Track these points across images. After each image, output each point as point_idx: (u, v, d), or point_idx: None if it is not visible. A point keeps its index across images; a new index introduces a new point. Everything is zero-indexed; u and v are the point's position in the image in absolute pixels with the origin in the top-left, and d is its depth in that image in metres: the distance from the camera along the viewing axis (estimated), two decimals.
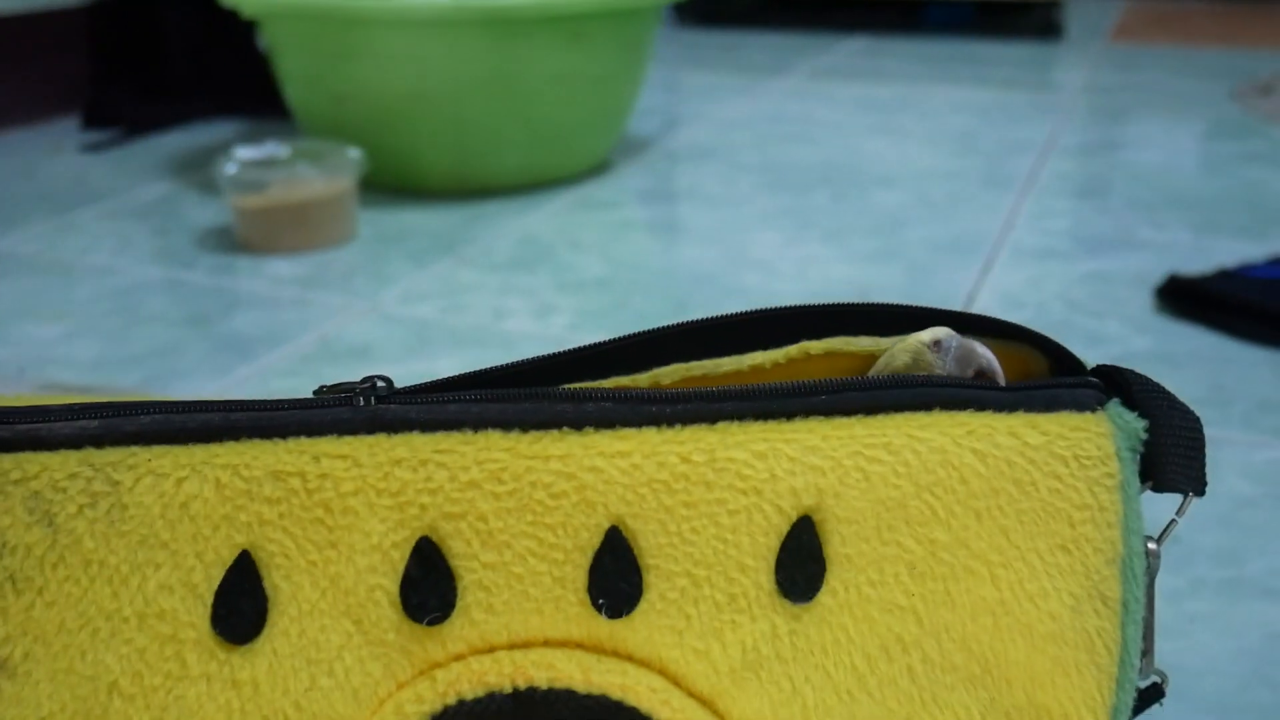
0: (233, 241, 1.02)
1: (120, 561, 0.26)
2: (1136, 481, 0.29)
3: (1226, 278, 0.85)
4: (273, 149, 1.03)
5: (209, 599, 0.26)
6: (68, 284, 0.93)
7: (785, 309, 0.31)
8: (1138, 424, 0.29)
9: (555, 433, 0.27)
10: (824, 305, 0.31)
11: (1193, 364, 0.76)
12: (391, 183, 1.16)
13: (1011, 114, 1.49)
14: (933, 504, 0.27)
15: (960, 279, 0.92)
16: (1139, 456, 0.29)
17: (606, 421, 0.27)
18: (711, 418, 0.27)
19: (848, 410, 0.27)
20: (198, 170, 1.25)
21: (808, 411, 0.27)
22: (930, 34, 2.13)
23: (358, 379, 0.28)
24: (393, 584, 0.26)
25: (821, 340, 0.31)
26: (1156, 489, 0.29)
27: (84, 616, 0.26)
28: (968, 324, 0.31)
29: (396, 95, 1.10)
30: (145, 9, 1.53)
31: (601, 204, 1.13)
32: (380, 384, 0.27)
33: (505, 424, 0.27)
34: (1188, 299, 0.84)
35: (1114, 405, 0.29)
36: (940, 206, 1.11)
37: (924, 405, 0.28)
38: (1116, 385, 0.30)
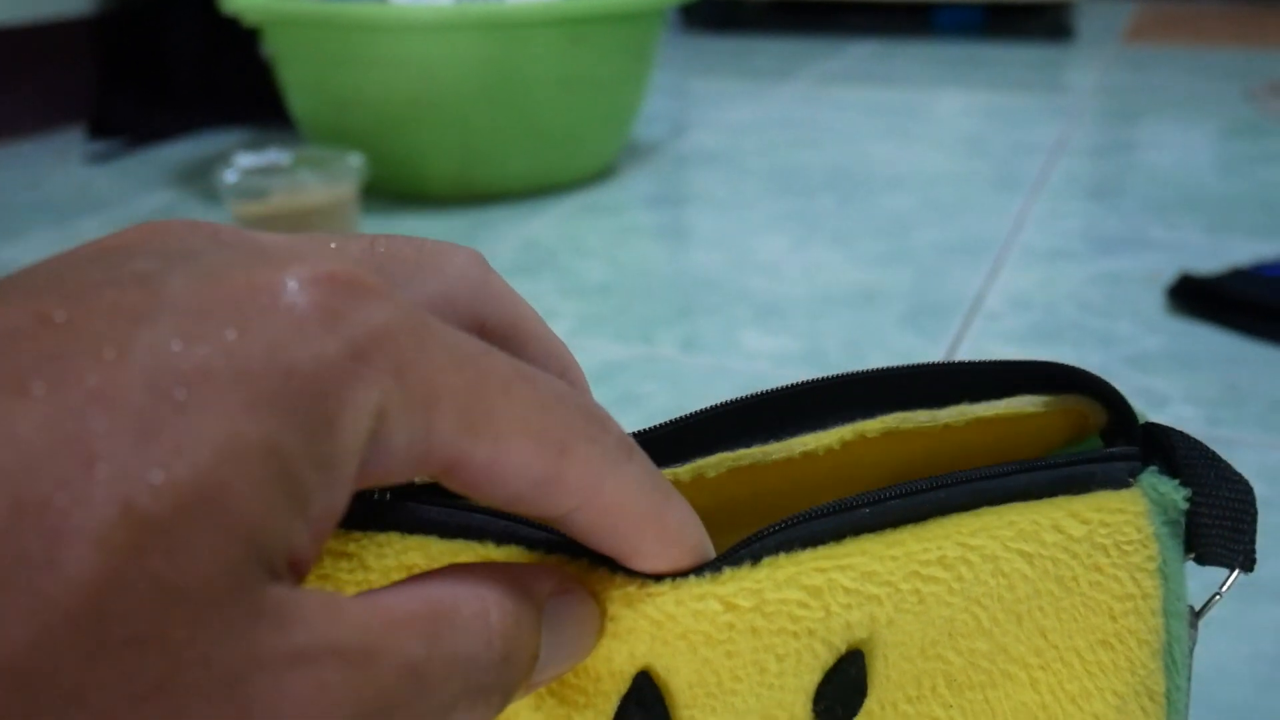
0: None
1: None
2: (1178, 559, 0.27)
3: (1240, 277, 0.84)
4: (274, 156, 1.03)
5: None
6: None
7: (828, 380, 0.28)
8: (1177, 494, 0.26)
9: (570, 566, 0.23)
10: (870, 372, 0.28)
11: (1206, 364, 0.75)
12: (395, 189, 1.16)
13: (1021, 116, 1.48)
14: (979, 615, 0.25)
15: (968, 281, 0.90)
16: (1183, 527, 0.26)
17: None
18: (755, 556, 0.23)
19: (896, 522, 0.24)
20: (201, 179, 1.25)
21: (857, 529, 0.24)
22: (939, 37, 2.12)
23: None
24: None
25: (876, 419, 0.28)
26: (1200, 561, 0.27)
27: None
28: (1027, 373, 0.28)
29: (399, 101, 1.09)
30: (149, 20, 1.53)
31: (606, 209, 1.12)
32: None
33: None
34: (1200, 298, 0.82)
35: (1150, 475, 0.26)
36: (948, 209, 1.10)
37: (971, 505, 0.25)
38: (1160, 448, 0.27)
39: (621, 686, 0.23)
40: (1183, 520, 0.26)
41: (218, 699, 0.13)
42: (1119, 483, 0.26)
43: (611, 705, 0.23)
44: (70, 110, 1.50)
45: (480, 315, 0.22)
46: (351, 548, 0.22)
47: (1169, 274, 0.89)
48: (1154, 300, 0.85)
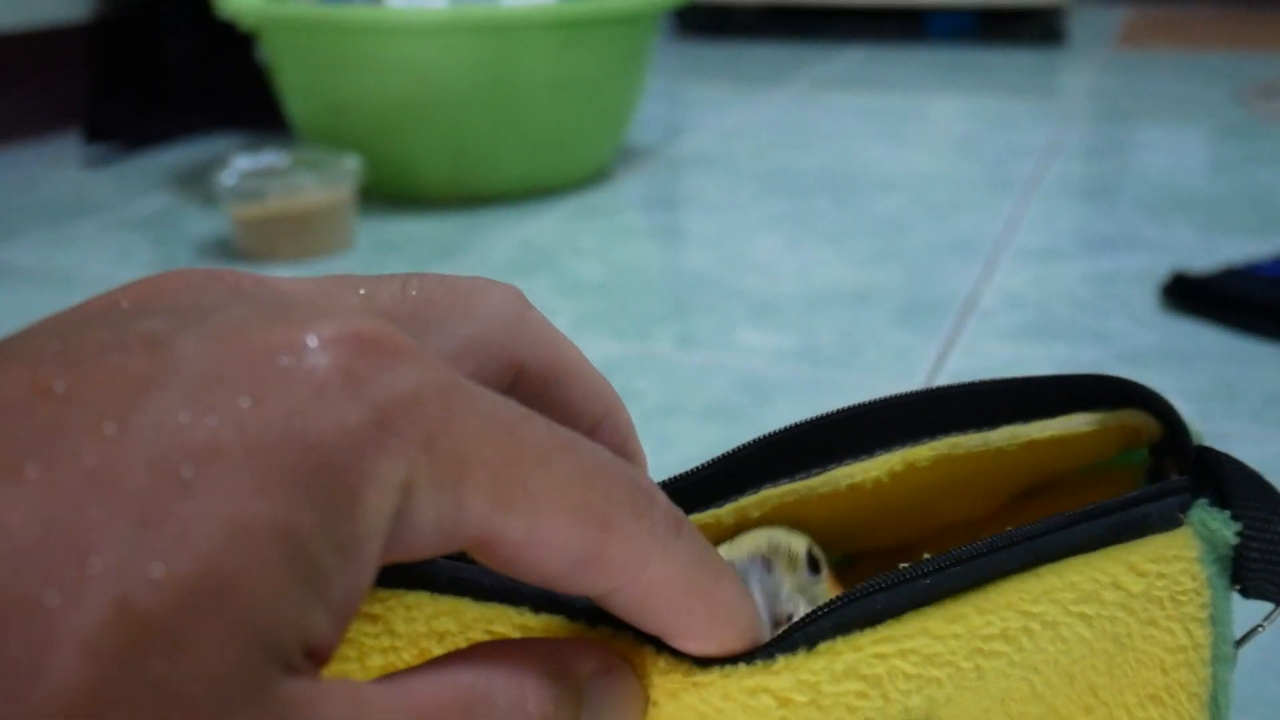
0: (232, 251, 1.02)
1: None
2: (1227, 599, 0.26)
3: (1233, 276, 0.84)
4: (271, 158, 1.03)
5: None
6: (67, 295, 0.92)
7: (873, 405, 0.27)
8: (1228, 530, 0.25)
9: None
10: (916, 395, 0.27)
11: (1199, 359, 0.75)
12: (390, 191, 1.16)
13: (1014, 120, 1.49)
14: (1034, 680, 0.24)
15: (962, 279, 0.91)
16: (1230, 560, 0.26)
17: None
18: (810, 641, 0.21)
19: (957, 590, 0.23)
20: (197, 182, 1.25)
21: (917, 603, 0.22)
22: (932, 42, 2.12)
23: None
24: None
25: (925, 445, 0.27)
26: (1244, 594, 0.26)
27: None
28: (1077, 387, 0.27)
29: (394, 104, 1.09)
30: (145, 25, 1.53)
31: (601, 211, 1.13)
32: None
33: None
34: (1193, 297, 0.83)
35: (1200, 510, 0.25)
36: (942, 210, 1.10)
37: (1032, 564, 0.23)
38: (1212, 475, 0.26)
39: None
40: (1231, 554, 0.25)
41: None
42: (1172, 521, 0.25)
43: None
44: (67, 114, 1.50)
45: (518, 357, 0.20)
46: (378, 609, 0.21)
47: (1161, 273, 0.89)
48: (1147, 299, 0.86)
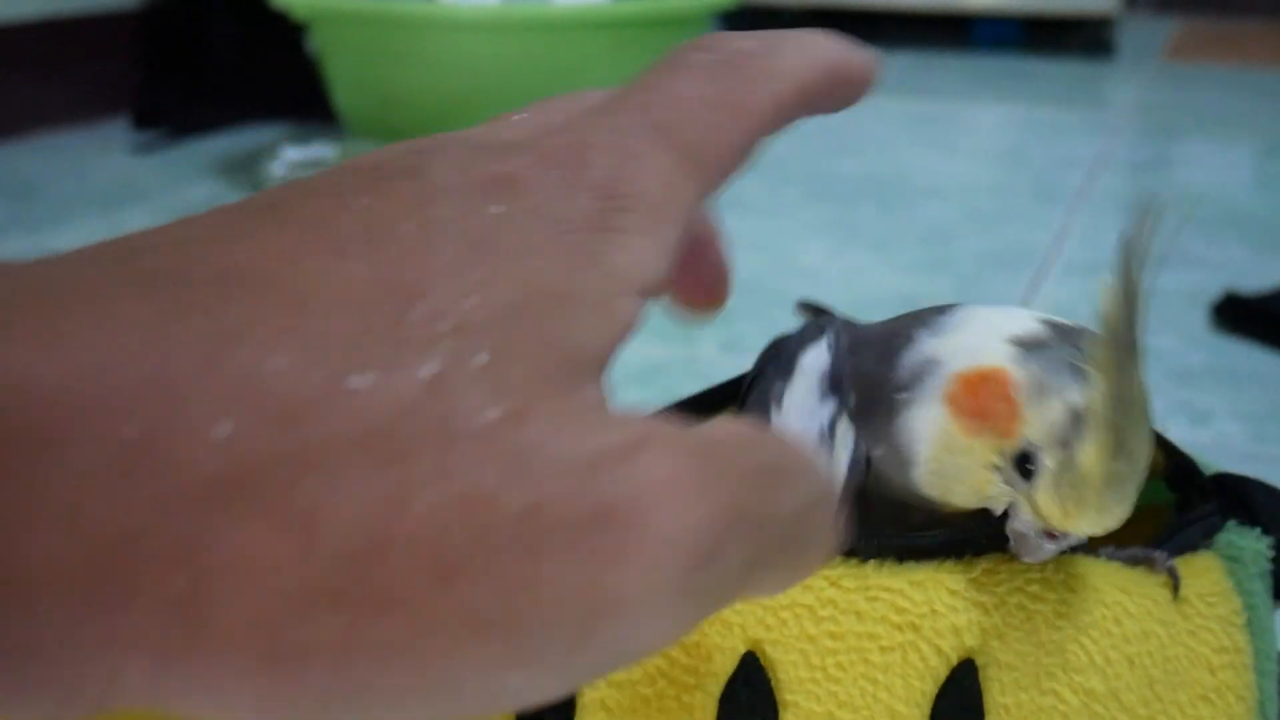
0: None
1: None
2: (1268, 613, 0.26)
3: None
4: (320, 150, 1.04)
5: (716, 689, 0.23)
6: None
7: None
8: (1259, 544, 0.26)
9: None
10: None
11: (1251, 381, 0.74)
12: None
13: (1061, 130, 1.48)
14: (1090, 648, 0.24)
15: (1010, 291, 0.90)
16: (1270, 575, 0.26)
17: None
18: (863, 556, 0.24)
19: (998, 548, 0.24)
20: (244, 171, 1.26)
21: (959, 553, 0.24)
22: (978, 50, 2.11)
23: None
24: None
25: None
26: None
27: None
28: None
29: (444, 99, 1.10)
30: (194, 13, 1.55)
31: None
32: None
33: None
34: (1246, 318, 0.82)
35: (1228, 533, 0.26)
36: (989, 220, 1.09)
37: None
38: (1238, 498, 0.27)
39: (730, 666, 0.23)
40: (1270, 568, 0.26)
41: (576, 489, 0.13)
42: (1200, 545, 0.26)
43: (719, 686, 0.23)
44: (115, 101, 1.52)
45: None
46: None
47: (1212, 291, 0.88)
48: (1198, 317, 0.85)
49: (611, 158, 0.16)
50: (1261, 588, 0.26)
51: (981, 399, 0.23)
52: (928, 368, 0.25)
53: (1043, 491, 0.22)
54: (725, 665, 0.23)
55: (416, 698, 0.13)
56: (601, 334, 0.15)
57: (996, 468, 0.23)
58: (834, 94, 0.19)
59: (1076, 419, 0.22)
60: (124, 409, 0.12)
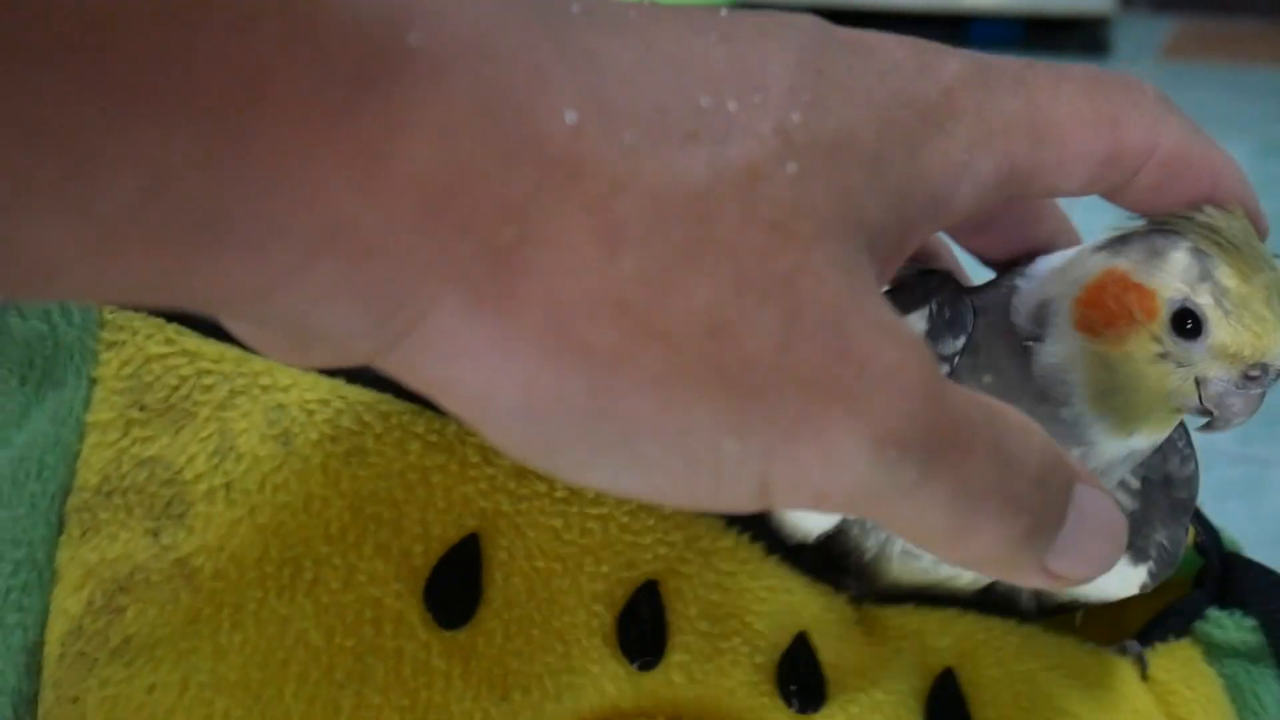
0: None
1: (344, 507, 0.23)
2: (1250, 685, 0.27)
3: None
4: None
5: (424, 573, 0.23)
6: None
7: None
8: (1244, 624, 0.27)
9: None
10: None
11: None
12: None
13: None
14: (1064, 684, 0.26)
15: None
16: (1268, 649, 0.27)
17: None
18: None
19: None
20: None
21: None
22: (976, 50, 2.11)
23: None
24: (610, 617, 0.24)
25: None
26: None
27: (289, 552, 0.23)
28: None
29: None
30: None
31: None
32: None
33: None
34: None
35: (1206, 622, 0.27)
36: None
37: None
38: (1230, 579, 0.28)
39: (785, 641, 0.25)
40: (1261, 646, 0.27)
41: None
42: (1183, 632, 0.27)
43: (778, 656, 0.25)
44: None
45: None
46: None
47: None
48: None
49: (975, 92, 0.18)
50: (1240, 667, 0.27)
51: (1109, 304, 0.23)
52: (1045, 309, 0.24)
53: (1218, 327, 0.21)
54: (781, 641, 0.25)
55: (649, 435, 0.14)
56: (892, 215, 0.16)
57: (1161, 355, 0.22)
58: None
59: (1200, 255, 0.22)
60: (501, 58, 0.13)
